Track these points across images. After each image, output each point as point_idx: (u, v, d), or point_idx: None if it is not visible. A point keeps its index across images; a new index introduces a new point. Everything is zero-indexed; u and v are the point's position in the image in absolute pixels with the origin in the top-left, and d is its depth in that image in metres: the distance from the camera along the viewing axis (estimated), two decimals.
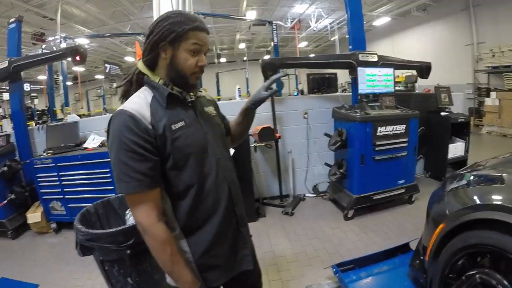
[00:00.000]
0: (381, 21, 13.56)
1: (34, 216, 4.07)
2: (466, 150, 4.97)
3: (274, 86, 1.40)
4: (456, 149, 4.85)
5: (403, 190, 3.97)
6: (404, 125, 3.82)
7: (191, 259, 1.17)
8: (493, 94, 9.23)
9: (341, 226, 3.64)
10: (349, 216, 3.77)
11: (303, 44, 18.73)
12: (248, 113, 1.47)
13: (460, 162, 4.88)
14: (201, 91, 1.35)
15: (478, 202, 1.62)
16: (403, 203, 4.10)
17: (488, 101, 9.35)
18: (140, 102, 1.11)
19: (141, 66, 1.20)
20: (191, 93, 1.23)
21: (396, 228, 3.50)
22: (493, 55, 9.31)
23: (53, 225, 4.16)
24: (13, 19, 4.58)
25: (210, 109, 1.35)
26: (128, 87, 1.24)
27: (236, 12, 11.82)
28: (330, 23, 14.58)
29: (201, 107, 1.30)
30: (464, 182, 1.87)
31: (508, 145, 7.70)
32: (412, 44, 13.62)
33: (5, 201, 4.07)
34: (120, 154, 1.03)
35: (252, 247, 1.40)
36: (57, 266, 3.31)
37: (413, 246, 2.44)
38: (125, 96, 1.22)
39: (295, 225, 3.79)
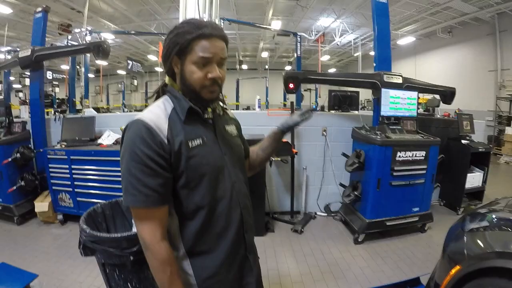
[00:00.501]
0: (406, 40, 13.49)
1: (41, 205, 4.09)
2: (484, 181, 4.82)
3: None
4: (473, 179, 4.70)
5: (417, 218, 3.85)
6: (424, 152, 3.72)
7: (193, 282, 1.11)
8: None
9: (350, 250, 3.53)
10: (359, 240, 3.66)
11: (325, 58, 18.68)
12: (276, 138, 1.41)
13: (477, 193, 4.77)
14: (226, 108, 1.29)
15: (500, 249, 1.53)
16: (415, 231, 3.97)
17: (508, 130, 9.18)
18: (159, 113, 1.06)
19: (167, 78, 1.17)
20: (209, 109, 1.16)
21: (406, 257, 3.37)
22: None
23: (60, 217, 4.17)
24: (39, 9, 4.66)
25: (231, 129, 1.29)
26: (157, 98, 1.20)
27: (261, 21, 11.84)
28: (354, 39, 14.57)
29: (222, 126, 1.23)
30: (485, 223, 1.78)
31: None
32: (435, 66, 13.49)
33: (14, 187, 4.10)
34: (131, 165, 0.98)
35: (259, 272, 1.33)
36: (59, 258, 3.28)
37: (423, 280, 2.37)
38: None
39: (304, 244, 3.68)
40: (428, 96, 7.64)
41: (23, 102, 6.43)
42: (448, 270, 1.72)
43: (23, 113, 5.31)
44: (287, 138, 4.08)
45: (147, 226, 1.01)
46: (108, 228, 2.28)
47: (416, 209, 3.84)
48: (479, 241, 1.68)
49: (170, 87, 1.15)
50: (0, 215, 4.23)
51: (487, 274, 1.51)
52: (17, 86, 11.75)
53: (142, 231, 1.01)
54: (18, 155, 4.09)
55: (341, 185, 4.28)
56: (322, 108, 6.92)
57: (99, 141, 4.18)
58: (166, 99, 1.13)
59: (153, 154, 0.98)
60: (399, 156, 3.58)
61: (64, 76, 9.37)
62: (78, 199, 3.98)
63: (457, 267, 1.65)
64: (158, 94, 1.20)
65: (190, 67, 1.05)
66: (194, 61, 1.04)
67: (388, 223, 3.69)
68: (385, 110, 3.88)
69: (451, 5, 9.43)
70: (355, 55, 15.58)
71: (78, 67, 9.48)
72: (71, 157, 3.89)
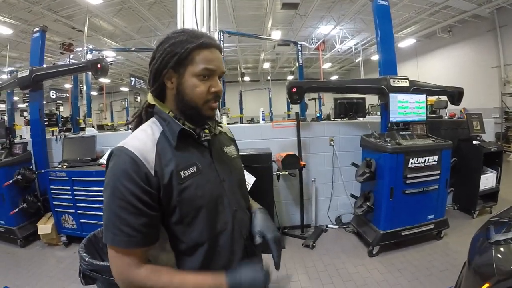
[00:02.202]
0: (406, 42, 13.47)
1: (44, 227, 4.03)
2: (498, 181, 4.65)
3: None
4: (487, 180, 4.53)
5: (432, 226, 3.69)
6: (437, 156, 3.58)
7: None
8: None
9: (365, 264, 3.36)
10: (374, 252, 3.50)
11: (327, 65, 18.63)
12: None
13: (491, 194, 4.60)
14: (221, 126, 1.16)
15: None
16: (431, 239, 3.80)
17: None
18: (145, 140, 0.93)
19: (150, 98, 1.04)
20: (206, 130, 1.03)
21: (424, 267, 3.21)
22: None
23: (63, 239, 4.09)
24: (37, 28, 4.61)
25: (230, 149, 1.16)
26: (138, 122, 1.08)
27: (261, 32, 11.88)
28: (354, 45, 14.54)
29: (219, 147, 1.11)
30: None
31: None
32: (437, 66, 13.41)
33: (16, 210, 4.04)
34: (111, 201, 0.86)
35: None
36: (62, 282, 3.19)
37: None
38: None
39: (316, 259, 3.52)
40: (433, 98, 7.50)
41: (28, 122, 6.43)
42: (476, 287, 1.58)
43: (24, 133, 5.25)
44: (293, 150, 3.97)
45: (126, 264, 0.87)
46: None
47: (431, 216, 3.68)
48: (509, 255, 1.57)
49: (157, 108, 1.02)
50: (3, 237, 4.18)
51: None
52: (22, 106, 11.77)
53: (118, 270, 0.87)
54: (20, 176, 4.03)
55: (352, 196, 4.15)
56: (328, 117, 6.77)
57: (101, 160, 4.11)
58: (154, 121, 1.01)
59: (137, 190, 0.86)
60: (411, 163, 3.44)
61: (68, 95, 9.35)
62: (81, 220, 3.88)
63: (487, 285, 1.52)
64: (141, 117, 1.08)
65: (191, 80, 0.94)
66: (196, 74, 0.94)
67: (403, 233, 3.53)
68: (394, 116, 3.75)
69: (449, 3, 9.39)
70: (357, 60, 15.54)
71: (81, 85, 9.48)
72: (73, 178, 3.82)
